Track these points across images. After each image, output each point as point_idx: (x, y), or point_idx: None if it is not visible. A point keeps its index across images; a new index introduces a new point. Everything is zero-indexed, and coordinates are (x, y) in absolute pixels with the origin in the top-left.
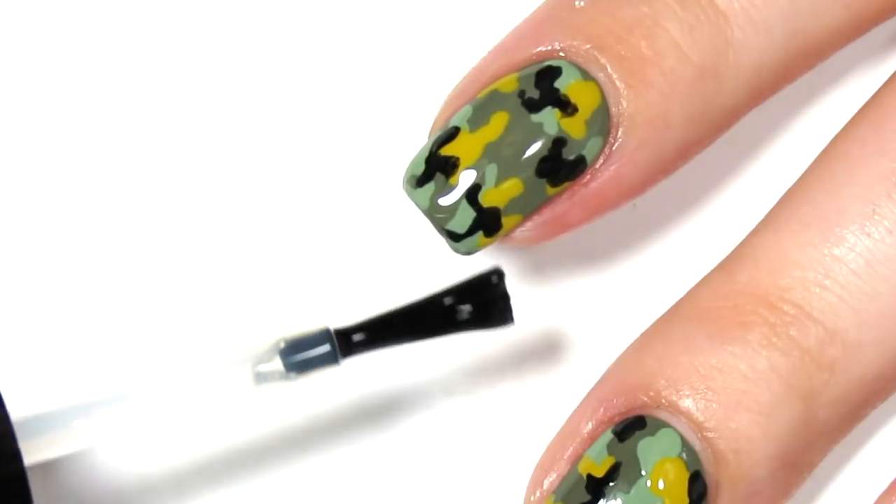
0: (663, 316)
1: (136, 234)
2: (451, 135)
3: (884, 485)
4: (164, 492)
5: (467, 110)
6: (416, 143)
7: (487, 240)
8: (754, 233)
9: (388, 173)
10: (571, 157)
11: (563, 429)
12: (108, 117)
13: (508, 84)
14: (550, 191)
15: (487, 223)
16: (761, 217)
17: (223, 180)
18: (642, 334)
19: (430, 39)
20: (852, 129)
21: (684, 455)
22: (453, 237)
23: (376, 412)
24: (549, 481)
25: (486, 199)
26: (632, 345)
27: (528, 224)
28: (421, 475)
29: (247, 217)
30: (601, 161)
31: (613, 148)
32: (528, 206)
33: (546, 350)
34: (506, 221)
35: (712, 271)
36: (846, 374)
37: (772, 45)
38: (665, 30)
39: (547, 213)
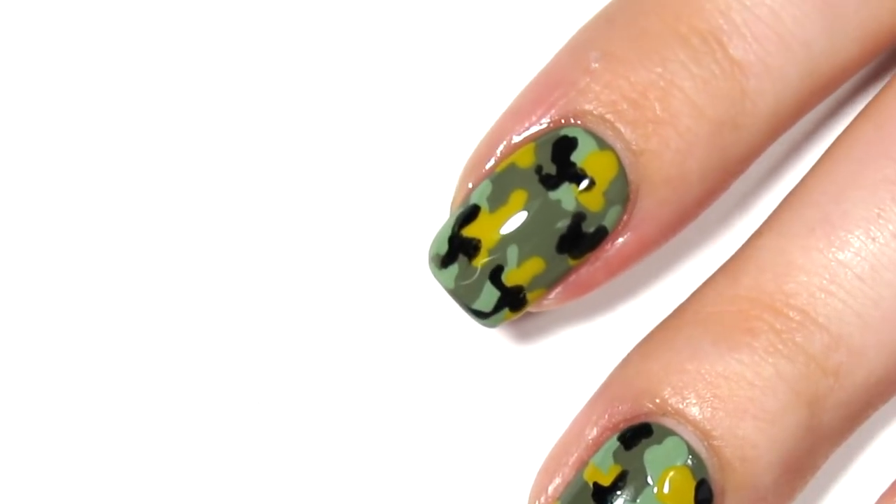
0: (667, 320)
1: (135, 233)
2: (471, 214)
3: (884, 486)
4: None
5: (486, 187)
6: (420, 148)
7: (513, 314)
8: (758, 235)
9: (390, 176)
10: (591, 230)
11: (567, 433)
12: (108, 117)
13: (525, 157)
14: (572, 262)
15: (512, 300)
16: (763, 219)
17: (223, 181)
18: (646, 339)
19: (432, 42)
20: (855, 130)
21: (690, 463)
22: (479, 315)
23: (377, 415)
24: (554, 487)
25: (508, 280)
26: (636, 349)
27: (553, 293)
28: (422, 478)
29: (247, 217)
30: (622, 225)
31: (633, 212)
32: (550, 280)
33: (548, 351)
34: (530, 297)
35: (716, 274)
36: (850, 378)
37: (787, 89)
38: (680, 89)
39: (570, 281)
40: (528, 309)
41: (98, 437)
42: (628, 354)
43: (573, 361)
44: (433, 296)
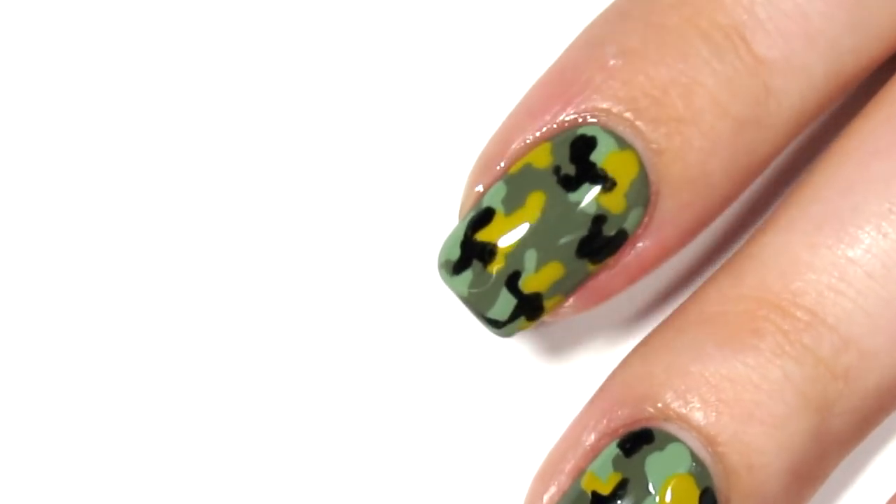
0: (669, 321)
1: (135, 233)
2: (485, 217)
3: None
4: None
5: (500, 188)
6: (426, 145)
7: (529, 323)
8: (762, 232)
9: (395, 173)
10: (612, 233)
11: (563, 439)
12: (107, 117)
13: (542, 157)
14: (591, 267)
15: (529, 308)
16: (766, 214)
17: (224, 180)
18: (647, 340)
19: (437, 37)
20: (865, 124)
21: (694, 471)
22: (494, 324)
23: (368, 415)
24: (549, 496)
25: (526, 286)
26: (636, 351)
27: (570, 300)
28: (414, 482)
29: (247, 217)
30: (642, 228)
31: (654, 214)
32: (569, 286)
33: (543, 351)
34: (547, 304)
35: (719, 273)
36: (861, 382)
37: (812, 87)
38: (702, 86)
39: (588, 287)
40: (544, 318)
41: (97, 437)
42: (628, 356)
43: (569, 362)
44: (428, 297)
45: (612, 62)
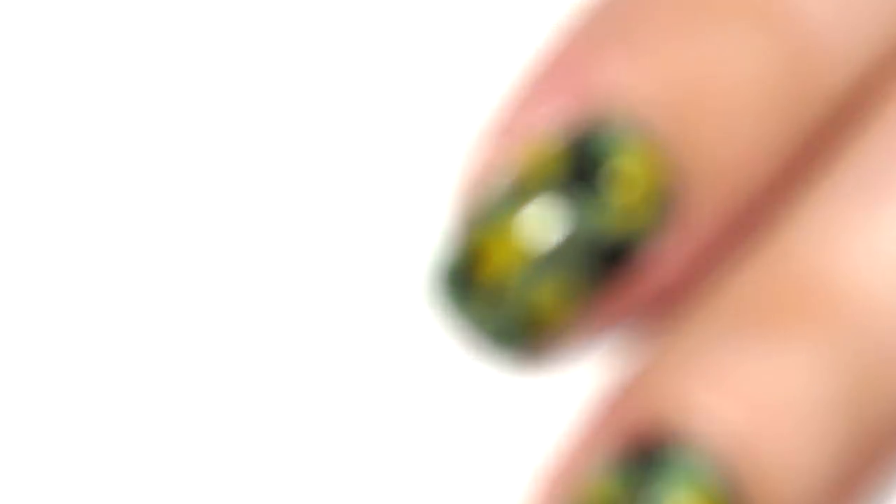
0: (683, 314)
1: (134, 234)
2: (481, 228)
3: None
4: None
5: (499, 196)
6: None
7: (539, 353)
8: (787, 207)
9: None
10: (630, 245)
11: (565, 447)
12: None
13: (546, 159)
14: (609, 284)
15: (532, 330)
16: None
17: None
18: (658, 334)
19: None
20: (888, 85)
21: (716, 486)
22: (490, 346)
23: (365, 418)
24: None
25: (532, 309)
26: (646, 347)
27: (589, 323)
28: (409, 489)
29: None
30: (669, 234)
31: (684, 218)
32: (583, 309)
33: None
34: (559, 330)
35: (739, 254)
36: None
37: (866, 59)
38: (733, 67)
39: (616, 306)
40: (560, 344)
41: (96, 438)
42: (637, 353)
43: (571, 359)
44: (421, 297)
45: (625, 41)
